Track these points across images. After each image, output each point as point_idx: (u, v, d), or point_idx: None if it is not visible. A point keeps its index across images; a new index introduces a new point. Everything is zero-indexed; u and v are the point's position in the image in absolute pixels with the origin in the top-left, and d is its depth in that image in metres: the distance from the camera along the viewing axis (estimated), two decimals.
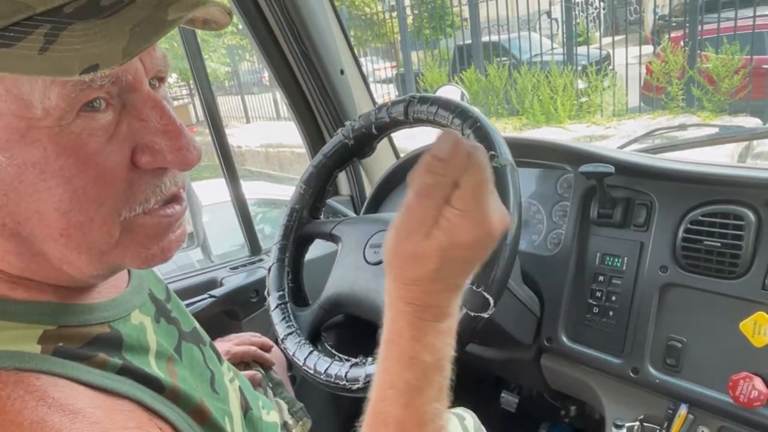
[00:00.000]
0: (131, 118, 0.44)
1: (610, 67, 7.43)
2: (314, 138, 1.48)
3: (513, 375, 1.33)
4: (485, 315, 0.73)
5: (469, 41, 8.35)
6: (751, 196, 0.86)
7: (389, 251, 0.47)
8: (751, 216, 0.85)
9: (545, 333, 1.06)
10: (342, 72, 1.41)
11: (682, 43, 6.68)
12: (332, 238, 1.04)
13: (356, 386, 0.80)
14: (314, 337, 0.97)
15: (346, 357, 0.87)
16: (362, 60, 10.76)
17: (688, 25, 6.66)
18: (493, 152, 0.79)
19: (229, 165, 1.38)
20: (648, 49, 8.04)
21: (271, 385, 0.96)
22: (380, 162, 1.52)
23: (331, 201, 1.34)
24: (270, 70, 1.39)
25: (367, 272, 0.93)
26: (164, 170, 0.47)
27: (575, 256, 1.05)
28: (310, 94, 1.43)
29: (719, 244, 0.87)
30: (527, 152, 1.15)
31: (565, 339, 1.04)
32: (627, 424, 0.90)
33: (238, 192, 1.39)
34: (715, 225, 0.88)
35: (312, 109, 1.46)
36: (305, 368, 0.88)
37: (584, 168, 0.97)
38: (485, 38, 8.28)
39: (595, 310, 1.01)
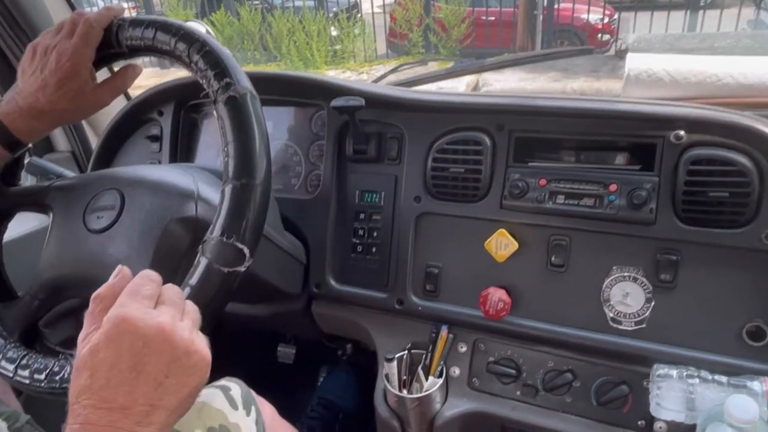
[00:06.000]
0: None
1: (359, 15, 7.72)
2: None
3: (286, 327, 1.28)
4: (241, 269, 0.64)
5: None
6: (486, 121, 0.90)
7: None
8: (487, 140, 0.90)
9: (313, 280, 1.01)
10: None
11: None
12: (39, 207, 0.82)
13: None
14: (29, 337, 0.76)
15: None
16: None
17: None
18: (228, 79, 0.67)
19: None
20: None
21: None
22: None
23: (41, 160, 1.07)
24: None
25: (92, 243, 0.75)
26: None
27: (335, 196, 1.01)
28: None
29: (463, 170, 0.90)
30: (276, 89, 1.05)
31: (333, 282, 1.00)
32: (396, 356, 0.91)
33: None
34: (458, 152, 0.91)
35: None
36: (19, 379, 0.68)
37: (335, 102, 0.92)
38: None
39: (359, 248, 1.00)
